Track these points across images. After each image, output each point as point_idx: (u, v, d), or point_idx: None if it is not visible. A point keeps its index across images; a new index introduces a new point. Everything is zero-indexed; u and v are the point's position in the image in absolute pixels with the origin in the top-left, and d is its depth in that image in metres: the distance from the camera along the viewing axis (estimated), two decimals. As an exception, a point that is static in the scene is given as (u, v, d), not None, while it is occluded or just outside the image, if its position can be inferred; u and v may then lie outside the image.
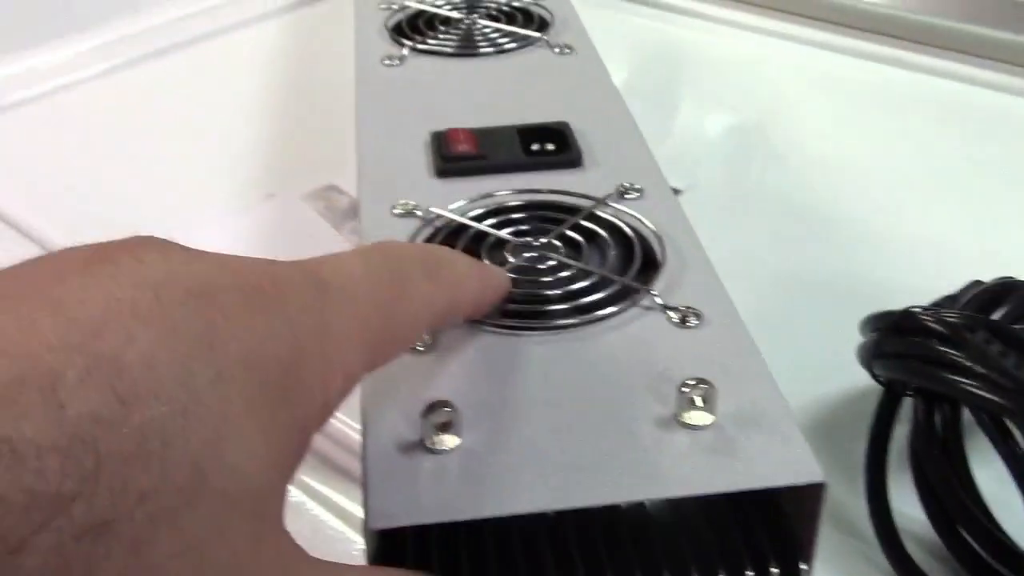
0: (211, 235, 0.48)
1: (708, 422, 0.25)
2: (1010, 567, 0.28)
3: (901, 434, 0.33)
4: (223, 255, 0.19)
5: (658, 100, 0.62)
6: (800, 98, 0.62)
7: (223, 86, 0.65)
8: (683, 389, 0.25)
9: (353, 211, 0.50)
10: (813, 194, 0.52)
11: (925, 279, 0.37)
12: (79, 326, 0.16)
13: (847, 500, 0.33)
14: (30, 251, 0.18)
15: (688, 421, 0.25)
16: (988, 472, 0.30)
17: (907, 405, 0.33)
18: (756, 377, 0.26)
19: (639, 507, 0.26)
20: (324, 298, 0.20)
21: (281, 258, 0.21)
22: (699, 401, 0.25)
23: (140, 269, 0.17)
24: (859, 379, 0.35)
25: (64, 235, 0.47)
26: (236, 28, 0.70)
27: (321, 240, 0.49)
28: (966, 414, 0.31)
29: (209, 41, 0.69)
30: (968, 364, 0.30)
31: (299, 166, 0.55)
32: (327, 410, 0.20)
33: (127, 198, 0.52)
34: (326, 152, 0.54)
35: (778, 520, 0.26)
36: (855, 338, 0.35)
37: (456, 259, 0.27)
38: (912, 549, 0.31)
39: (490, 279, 0.28)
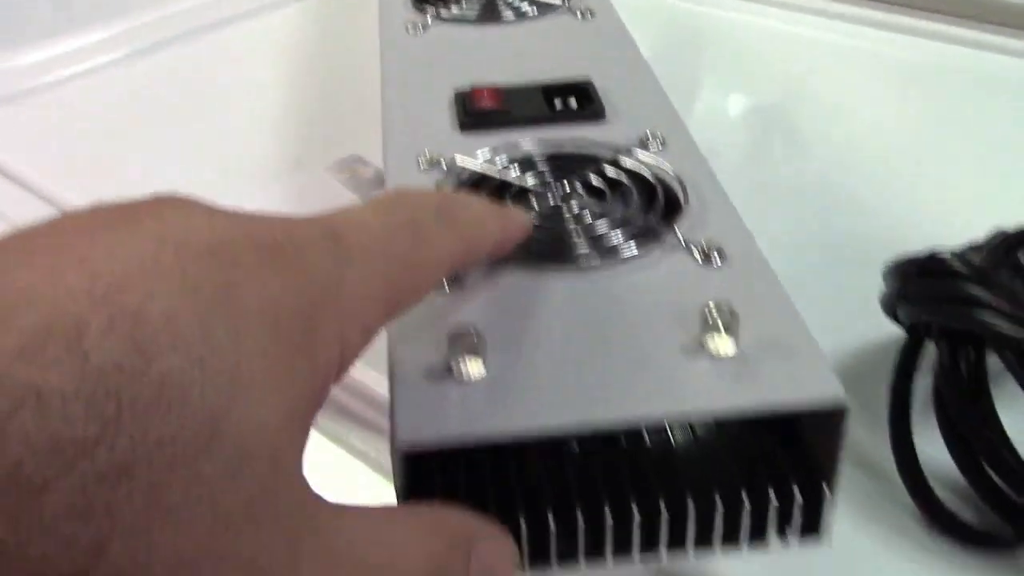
0: (237, 207, 0.48)
1: (731, 347, 0.25)
2: (1036, 503, 0.28)
3: (922, 386, 0.33)
4: (241, 212, 0.20)
5: (682, 74, 0.62)
6: (826, 70, 0.62)
7: (249, 65, 0.66)
8: (706, 314, 0.25)
9: (378, 181, 0.50)
10: (840, 161, 0.52)
11: (952, 241, 0.37)
12: (103, 280, 0.16)
13: (871, 448, 0.33)
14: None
15: (711, 345, 0.25)
16: (1014, 418, 0.30)
17: (929, 354, 0.33)
18: (780, 308, 0.26)
19: (664, 440, 0.26)
20: (340, 251, 0.21)
21: None
22: (722, 326, 0.25)
23: (161, 226, 0.18)
24: (879, 334, 0.35)
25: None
26: (262, 10, 0.71)
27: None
28: (992, 363, 0.31)
29: (236, 23, 0.70)
30: (995, 303, 0.30)
31: (324, 137, 0.55)
32: (345, 361, 0.21)
33: (156, 172, 0.53)
34: (350, 123, 0.54)
35: (801, 449, 0.26)
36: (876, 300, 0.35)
37: (472, 203, 0.27)
38: (936, 490, 0.31)
39: (509, 219, 0.28)
